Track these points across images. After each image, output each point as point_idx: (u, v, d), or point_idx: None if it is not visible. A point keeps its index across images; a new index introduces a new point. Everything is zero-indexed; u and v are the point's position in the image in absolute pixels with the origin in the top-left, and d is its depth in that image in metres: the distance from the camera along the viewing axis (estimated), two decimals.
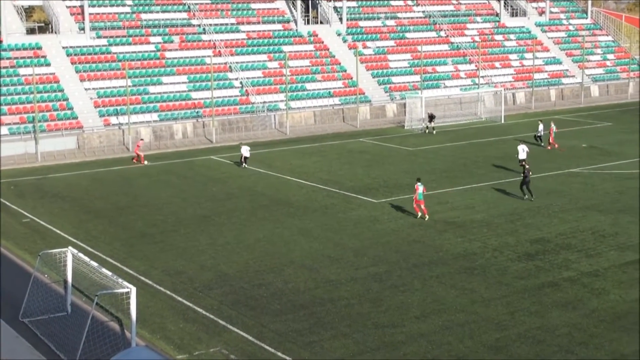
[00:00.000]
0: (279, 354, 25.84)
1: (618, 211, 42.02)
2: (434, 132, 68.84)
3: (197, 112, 70.34)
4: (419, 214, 41.33)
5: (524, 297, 30.22)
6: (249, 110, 72.38)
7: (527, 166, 46.35)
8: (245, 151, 56.11)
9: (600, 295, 30.27)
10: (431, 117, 69.85)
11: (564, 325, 27.50)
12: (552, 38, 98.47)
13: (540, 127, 62.82)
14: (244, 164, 55.74)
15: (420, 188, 41.20)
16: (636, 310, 28.68)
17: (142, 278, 33.11)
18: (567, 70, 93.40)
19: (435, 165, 55.06)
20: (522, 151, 52.21)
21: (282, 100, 73.56)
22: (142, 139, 61.78)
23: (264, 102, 73.48)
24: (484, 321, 28.01)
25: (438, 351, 25.82)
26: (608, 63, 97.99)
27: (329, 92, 77.64)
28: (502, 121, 74.94)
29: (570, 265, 33.70)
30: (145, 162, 58.20)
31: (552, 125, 61.91)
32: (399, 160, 57.25)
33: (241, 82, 75.11)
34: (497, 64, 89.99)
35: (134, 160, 58.85)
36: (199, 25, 79.95)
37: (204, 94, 71.86)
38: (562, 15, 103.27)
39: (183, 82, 73.11)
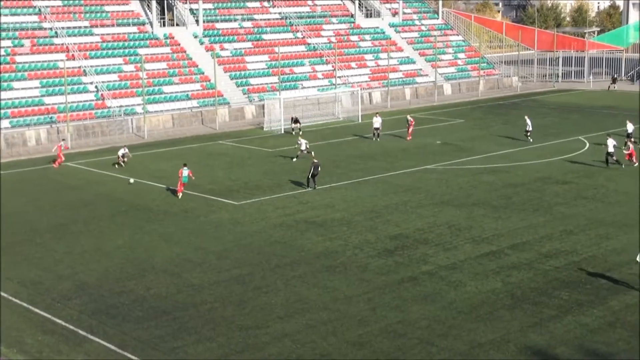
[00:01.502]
0: None
1: (472, 205, 43.34)
2: (300, 132, 69.05)
3: (51, 118, 68.43)
4: (180, 194, 46.25)
5: (385, 292, 30.78)
6: (105, 114, 70.93)
7: (315, 161, 47.16)
8: (124, 150, 57.03)
9: (458, 287, 31.15)
10: (295, 121, 70.14)
11: (424, 318, 28.16)
12: (405, 38, 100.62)
13: (377, 119, 64.85)
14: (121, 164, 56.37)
15: (185, 172, 46.16)
16: (491, 300, 29.65)
17: None
18: (420, 69, 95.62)
19: (294, 166, 55.35)
20: (304, 144, 55.99)
21: (139, 104, 72.43)
22: (63, 139, 60.00)
23: (121, 106, 72.18)
24: (346, 318, 28.36)
25: (302, 350, 25.99)
26: (459, 62, 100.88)
27: (187, 94, 76.98)
28: (359, 120, 76.01)
29: (428, 259, 34.54)
30: (58, 164, 57.55)
31: (410, 118, 64.25)
32: (259, 161, 57.29)
33: (96, 86, 73.56)
34: (353, 64, 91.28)
35: (57, 164, 57.70)
36: (51, 29, 77.80)
37: (57, 99, 69.94)
38: (414, 16, 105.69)
39: (35, 87, 70.97)
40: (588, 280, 31.69)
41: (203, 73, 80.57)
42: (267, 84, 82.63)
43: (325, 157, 58.23)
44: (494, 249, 35.80)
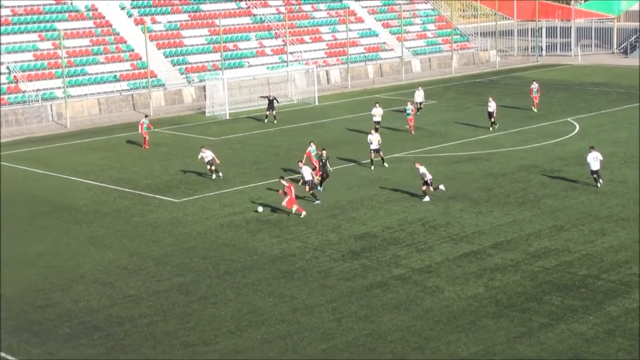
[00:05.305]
0: None
1: (448, 198, 43.63)
2: (275, 120, 67.33)
3: None
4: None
5: (351, 300, 30.93)
6: (19, 100, 70.32)
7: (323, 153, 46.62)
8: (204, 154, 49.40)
9: (434, 293, 31.39)
10: (271, 102, 67.34)
11: (397, 330, 28.35)
12: (366, 7, 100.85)
13: (377, 109, 61.18)
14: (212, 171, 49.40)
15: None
16: (473, 308, 29.94)
17: None
18: (384, 43, 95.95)
19: (243, 156, 55.34)
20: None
21: (59, 87, 71.91)
22: (146, 116, 61.68)
23: (37, 89, 71.61)
24: (307, 331, 28.47)
25: None
26: (429, 34, 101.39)
27: (115, 75, 76.54)
28: (316, 103, 76.17)
29: (399, 261, 34.76)
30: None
31: (410, 105, 61.86)
32: None
33: (8, 67, 72.85)
34: (306, 38, 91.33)
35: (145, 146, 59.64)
36: None
37: None
38: None
39: None
40: (582, 282, 32.10)
41: (133, 50, 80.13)
42: (207, 62, 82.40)
43: (278, 145, 58.39)
44: (474, 248, 36.14)
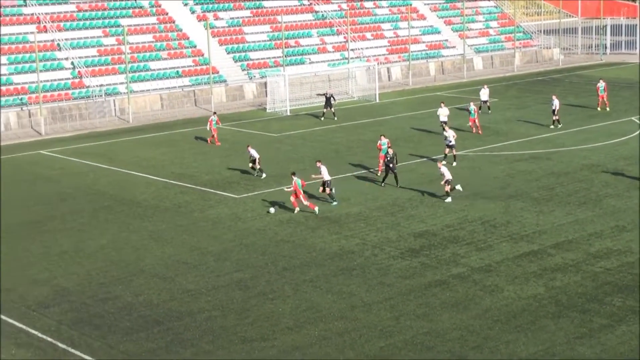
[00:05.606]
0: None
1: (509, 197, 43.35)
2: (335, 117, 67.49)
3: (21, 99, 68.69)
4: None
5: (410, 298, 30.85)
6: (83, 95, 71.15)
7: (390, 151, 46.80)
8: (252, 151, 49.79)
9: (493, 292, 31.19)
10: (328, 100, 67.70)
11: (455, 329, 28.22)
12: (428, 4, 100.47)
13: (443, 110, 59.66)
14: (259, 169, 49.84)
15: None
16: (532, 308, 29.69)
17: None
18: (446, 40, 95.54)
19: (303, 153, 55.47)
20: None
21: (122, 83, 72.62)
22: (215, 112, 62.14)
23: (101, 85, 72.39)
24: (365, 328, 28.45)
25: None
26: (491, 31, 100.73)
27: (177, 71, 77.11)
28: (377, 100, 76.07)
29: (459, 260, 34.60)
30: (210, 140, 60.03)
31: (473, 105, 60.34)
32: (262, 148, 57.11)
33: (73, 63, 73.75)
34: (368, 35, 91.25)
35: (209, 141, 59.90)
36: None
37: (28, 78, 70.17)
38: None
39: (2, 64, 71.18)
40: None
41: (195, 46, 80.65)
42: (269, 58, 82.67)
43: (338, 142, 58.39)
44: (535, 248, 35.84)
